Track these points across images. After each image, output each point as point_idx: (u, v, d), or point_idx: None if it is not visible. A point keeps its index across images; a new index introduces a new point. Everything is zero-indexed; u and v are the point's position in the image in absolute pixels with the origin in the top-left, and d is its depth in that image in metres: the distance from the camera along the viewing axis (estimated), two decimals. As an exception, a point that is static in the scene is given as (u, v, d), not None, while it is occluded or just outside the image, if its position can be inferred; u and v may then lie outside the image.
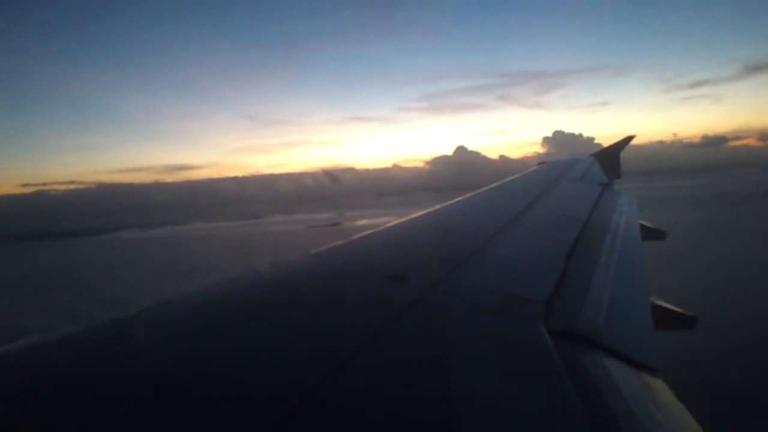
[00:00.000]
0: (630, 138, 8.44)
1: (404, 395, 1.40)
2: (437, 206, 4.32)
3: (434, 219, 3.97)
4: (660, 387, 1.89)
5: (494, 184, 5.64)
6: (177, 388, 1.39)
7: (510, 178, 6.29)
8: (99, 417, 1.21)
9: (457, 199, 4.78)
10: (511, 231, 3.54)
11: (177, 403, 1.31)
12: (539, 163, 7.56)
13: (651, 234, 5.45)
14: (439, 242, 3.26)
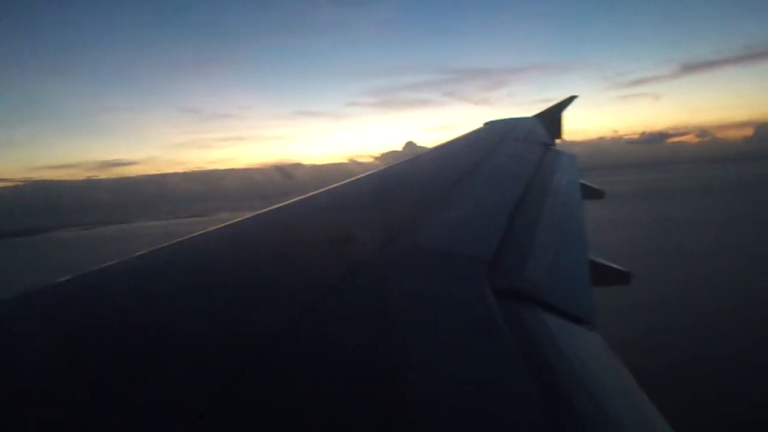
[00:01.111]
0: (572, 98, 8.57)
1: (349, 357, 1.40)
2: (382, 168, 4.30)
3: (379, 181, 3.95)
4: (596, 340, 1.96)
5: (439, 145, 5.65)
6: (127, 356, 1.37)
7: (455, 137, 6.31)
8: None
9: (402, 161, 4.76)
10: (455, 191, 3.56)
11: (127, 371, 1.29)
12: (485, 123, 7.61)
13: (590, 193, 5.61)
14: (385, 204, 3.26)
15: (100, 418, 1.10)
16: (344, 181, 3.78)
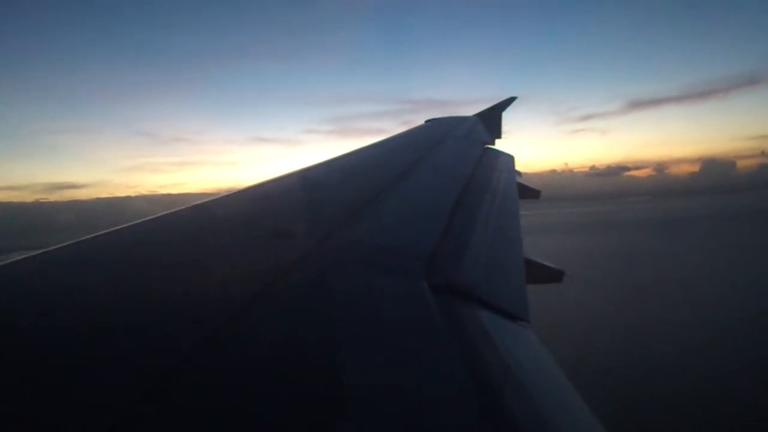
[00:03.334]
0: (512, 99, 8.74)
1: (286, 351, 1.37)
2: (321, 161, 4.25)
3: (319, 175, 3.90)
4: (530, 337, 2.00)
5: (379, 141, 5.64)
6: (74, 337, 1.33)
7: (397, 134, 6.31)
8: None
9: (342, 154, 4.72)
10: (395, 188, 3.55)
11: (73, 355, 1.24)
12: (426, 120, 7.65)
13: (527, 193, 5.74)
14: (325, 198, 3.21)
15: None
16: (280, 175, 3.70)
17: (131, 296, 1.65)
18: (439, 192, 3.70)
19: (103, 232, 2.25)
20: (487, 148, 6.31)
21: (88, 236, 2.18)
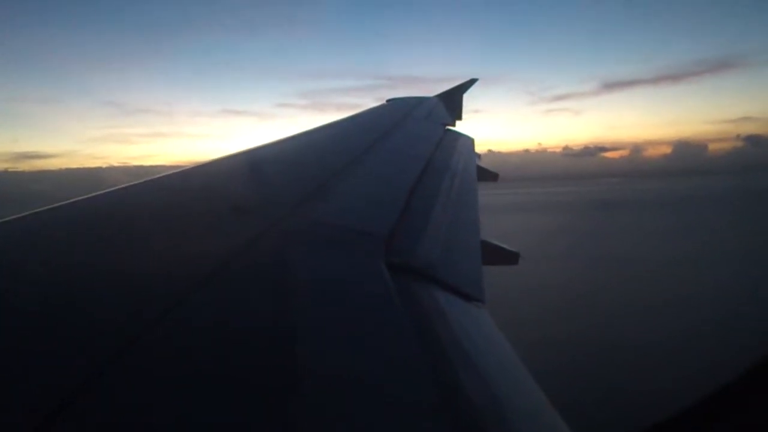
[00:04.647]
0: (473, 81, 8.80)
1: (243, 330, 1.36)
2: (282, 138, 4.19)
3: (279, 152, 3.85)
4: (485, 317, 2.04)
5: (340, 119, 5.60)
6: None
7: (358, 112, 6.28)
8: None
9: (304, 131, 4.68)
10: (356, 167, 3.55)
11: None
12: (388, 100, 7.62)
13: (485, 175, 5.80)
14: (284, 176, 3.18)
15: None
16: (239, 151, 3.64)
17: (83, 269, 1.62)
18: (398, 172, 3.71)
19: (66, 201, 2.21)
20: (448, 129, 6.34)
21: (52, 205, 2.13)
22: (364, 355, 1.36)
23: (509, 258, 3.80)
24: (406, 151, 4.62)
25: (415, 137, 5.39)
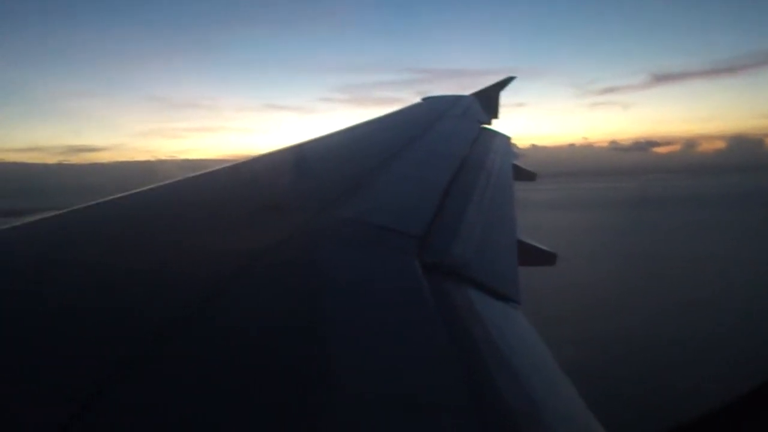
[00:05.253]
0: (510, 78, 8.68)
1: (276, 325, 1.37)
2: (318, 137, 4.22)
3: (314, 151, 3.88)
4: (520, 318, 2.01)
5: (376, 118, 5.60)
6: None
7: (394, 111, 6.27)
8: None
9: (339, 130, 4.70)
10: (391, 165, 3.54)
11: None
12: (423, 98, 7.60)
13: (522, 175, 5.72)
14: (319, 174, 3.20)
15: None
16: (277, 149, 3.69)
17: (121, 263, 1.67)
18: (433, 171, 3.69)
19: (113, 197, 2.32)
20: (484, 128, 6.28)
21: (101, 200, 2.26)
22: (398, 354, 1.35)
23: (546, 259, 3.74)
24: (441, 149, 4.59)
25: (451, 136, 5.35)
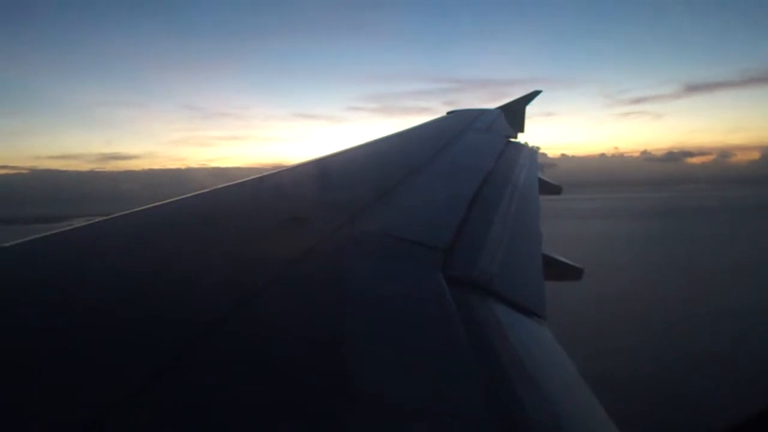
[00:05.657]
0: (536, 92, 8.63)
1: (300, 338, 1.38)
2: (344, 150, 4.25)
3: (340, 163, 3.91)
4: (545, 333, 1.98)
5: (401, 131, 5.61)
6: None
7: (418, 125, 6.28)
8: None
9: (365, 143, 4.72)
10: (416, 178, 3.55)
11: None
12: (448, 112, 7.60)
13: (548, 188, 5.66)
14: (345, 186, 3.22)
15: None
16: (305, 161, 3.73)
17: (156, 269, 1.72)
18: (457, 184, 3.68)
19: (138, 208, 2.39)
20: (509, 141, 6.25)
21: (133, 210, 2.34)
22: (423, 368, 1.35)
23: (573, 273, 3.69)
24: (467, 163, 4.58)
25: (476, 149, 5.34)
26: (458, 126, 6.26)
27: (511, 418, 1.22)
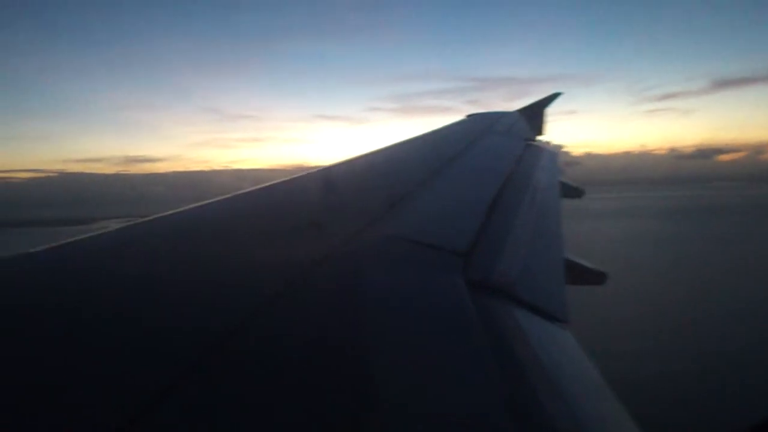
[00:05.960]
0: (556, 95, 8.56)
1: (320, 343, 1.37)
2: (360, 155, 4.26)
3: (358, 168, 3.91)
4: (568, 339, 1.95)
5: (420, 135, 5.61)
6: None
7: (437, 128, 6.28)
8: None
9: (383, 147, 4.72)
10: (434, 182, 3.53)
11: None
12: (468, 115, 7.57)
13: (570, 191, 5.60)
14: (363, 191, 3.22)
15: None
16: (324, 166, 3.75)
17: (176, 274, 1.74)
18: (477, 188, 3.66)
19: (157, 215, 2.43)
20: (529, 144, 6.20)
21: (158, 215, 2.39)
22: (443, 373, 1.34)
23: (595, 278, 3.63)
24: (486, 166, 4.55)
25: (495, 152, 5.31)
26: (477, 129, 6.24)
27: (534, 424, 1.20)
